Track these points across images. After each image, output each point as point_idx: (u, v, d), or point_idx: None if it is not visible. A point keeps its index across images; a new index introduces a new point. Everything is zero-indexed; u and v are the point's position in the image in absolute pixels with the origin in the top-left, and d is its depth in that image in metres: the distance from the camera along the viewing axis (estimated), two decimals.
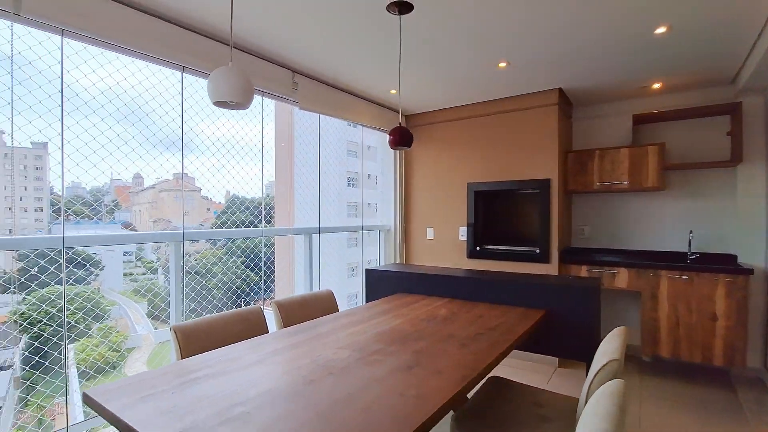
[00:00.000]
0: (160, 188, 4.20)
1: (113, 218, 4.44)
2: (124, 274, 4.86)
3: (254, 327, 1.94)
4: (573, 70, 2.93)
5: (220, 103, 1.31)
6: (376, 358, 1.48)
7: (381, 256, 4.24)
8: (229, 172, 3.12)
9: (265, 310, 2.10)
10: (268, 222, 3.86)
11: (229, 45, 2.44)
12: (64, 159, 2.01)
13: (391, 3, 2.07)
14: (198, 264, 4.32)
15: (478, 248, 3.74)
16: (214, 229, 3.77)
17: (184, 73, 2.37)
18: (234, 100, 1.25)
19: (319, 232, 3.40)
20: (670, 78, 3.10)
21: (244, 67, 2.59)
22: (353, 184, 4.82)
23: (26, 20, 1.74)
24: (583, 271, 3.25)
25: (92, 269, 4.24)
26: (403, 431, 0.97)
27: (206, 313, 2.88)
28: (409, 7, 2.11)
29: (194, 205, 4.83)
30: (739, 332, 2.74)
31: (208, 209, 4.97)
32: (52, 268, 2.40)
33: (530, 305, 2.25)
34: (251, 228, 3.18)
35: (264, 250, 3.94)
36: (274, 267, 4.02)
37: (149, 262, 5.04)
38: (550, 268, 3.33)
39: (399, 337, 1.74)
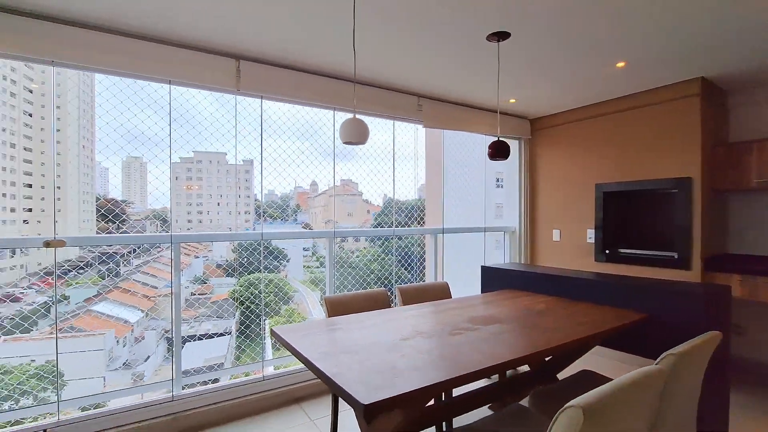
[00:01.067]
0: (330, 193, 5.17)
1: (296, 219, 5.72)
2: (304, 267, 6.07)
3: (379, 304, 2.54)
4: (712, 57, 2.65)
5: (347, 143, 1.91)
6: (460, 331, 1.87)
7: (507, 257, 4.42)
8: (386, 177, 3.69)
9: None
10: (420, 222, 4.39)
11: (360, 85, 3.13)
12: (264, 172, 2.96)
13: (489, 34, 2.40)
14: (357, 260, 5.25)
15: (607, 251, 3.60)
16: (358, 229, 4.57)
17: (335, 112, 3.15)
18: (354, 140, 1.84)
19: (443, 233, 3.85)
20: None
21: (377, 99, 3.24)
22: (501, 185, 5.03)
23: (243, 93, 2.73)
24: (734, 280, 2.84)
25: (282, 260, 5.58)
26: (450, 374, 1.36)
27: None
28: (506, 35, 2.40)
29: (356, 208, 5.73)
30: None
31: (368, 211, 5.86)
32: (255, 254, 3.47)
33: (635, 308, 2.25)
34: (387, 228, 3.83)
35: (414, 249, 4.52)
36: (424, 263, 4.55)
37: (320, 257, 6.25)
38: (691, 276, 3.02)
39: (488, 320, 2.07)
